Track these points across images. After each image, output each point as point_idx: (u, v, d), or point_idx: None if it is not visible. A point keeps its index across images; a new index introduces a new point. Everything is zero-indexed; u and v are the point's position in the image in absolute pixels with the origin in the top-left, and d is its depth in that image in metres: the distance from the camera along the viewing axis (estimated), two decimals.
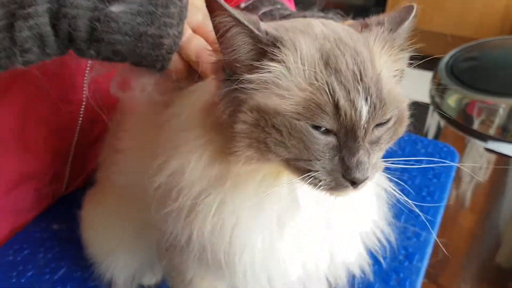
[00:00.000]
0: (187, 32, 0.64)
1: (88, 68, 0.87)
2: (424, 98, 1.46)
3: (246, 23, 0.50)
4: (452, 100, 1.32)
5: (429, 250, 0.90)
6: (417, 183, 1.06)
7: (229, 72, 0.54)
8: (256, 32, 0.51)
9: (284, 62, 0.52)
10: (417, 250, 0.89)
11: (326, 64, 0.52)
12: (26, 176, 0.91)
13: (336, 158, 0.52)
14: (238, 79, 0.52)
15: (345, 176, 0.51)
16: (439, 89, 1.33)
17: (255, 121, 0.51)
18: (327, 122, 0.51)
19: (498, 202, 1.50)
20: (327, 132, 0.52)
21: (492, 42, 1.60)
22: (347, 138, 0.52)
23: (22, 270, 0.87)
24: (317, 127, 0.51)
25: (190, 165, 0.57)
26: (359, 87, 0.51)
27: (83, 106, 0.91)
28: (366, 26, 0.58)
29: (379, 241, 0.68)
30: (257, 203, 0.58)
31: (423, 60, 0.59)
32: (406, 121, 0.58)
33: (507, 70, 1.38)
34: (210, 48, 0.62)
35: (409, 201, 0.58)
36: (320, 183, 0.52)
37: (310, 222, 0.60)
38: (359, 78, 0.51)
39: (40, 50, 0.60)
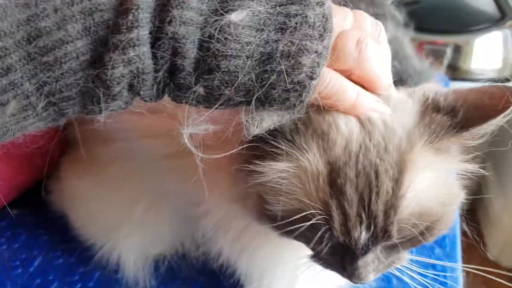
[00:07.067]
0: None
1: None
2: None
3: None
4: None
5: None
6: None
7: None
8: (264, 134, 0.45)
9: (284, 170, 0.46)
10: None
11: (333, 183, 0.45)
12: None
13: (337, 257, 0.49)
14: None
15: (345, 275, 0.49)
16: None
17: (259, 204, 0.49)
18: (321, 234, 0.46)
19: None
20: (322, 236, 0.47)
21: None
22: (345, 248, 0.47)
23: None
24: None
25: (208, 201, 0.57)
26: (363, 215, 0.45)
27: None
28: (432, 113, 0.48)
29: None
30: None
31: None
32: (443, 229, 0.50)
33: None
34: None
35: None
36: (325, 267, 0.51)
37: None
38: (366, 204, 0.45)
39: (129, 95, 0.43)
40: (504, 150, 0.51)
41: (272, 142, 0.46)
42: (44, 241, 0.80)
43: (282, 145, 0.46)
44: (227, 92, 0.42)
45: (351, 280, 0.49)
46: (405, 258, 0.53)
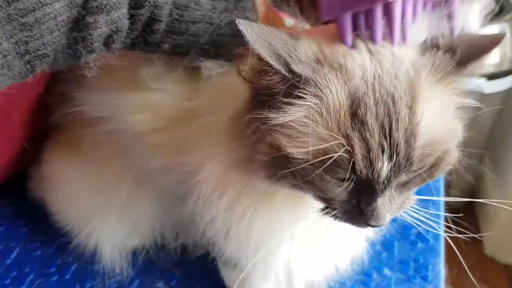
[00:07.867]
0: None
1: None
2: None
3: (273, 63, 0.46)
4: None
5: None
6: None
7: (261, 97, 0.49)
8: (283, 72, 0.46)
9: (306, 108, 0.47)
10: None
11: (354, 115, 0.46)
12: None
13: (353, 202, 0.49)
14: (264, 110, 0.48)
15: (360, 220, 0.50)
16: None
17: (273, 157, 0.48)
18: (342, 174, 0.47)
19: None
20: (343, 179, 0.48)
21: None
22: (364, 188, 0.48)
23: None
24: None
25: (206, 169, 0.55)
26: (384, 144, 0.46)
27: None
28: (432, 49, 0.51)
29: None
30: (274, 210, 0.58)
31: None
32: (448, 164, 0.52)
33: None
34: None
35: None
36: (338, 218, 0.51)
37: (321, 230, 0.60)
38: (387, 132, 0.46)
39: (103, 49, 0.50)
40: (502, 145, 0.52)
41: (291, 89, 0.47)
42: (23, 232, 0.79)
43: (302, 85, 0.47)
44: (185, 48, 0.54)
45: (369, 224, 0.50)
46: (414, 199, 0.54)
